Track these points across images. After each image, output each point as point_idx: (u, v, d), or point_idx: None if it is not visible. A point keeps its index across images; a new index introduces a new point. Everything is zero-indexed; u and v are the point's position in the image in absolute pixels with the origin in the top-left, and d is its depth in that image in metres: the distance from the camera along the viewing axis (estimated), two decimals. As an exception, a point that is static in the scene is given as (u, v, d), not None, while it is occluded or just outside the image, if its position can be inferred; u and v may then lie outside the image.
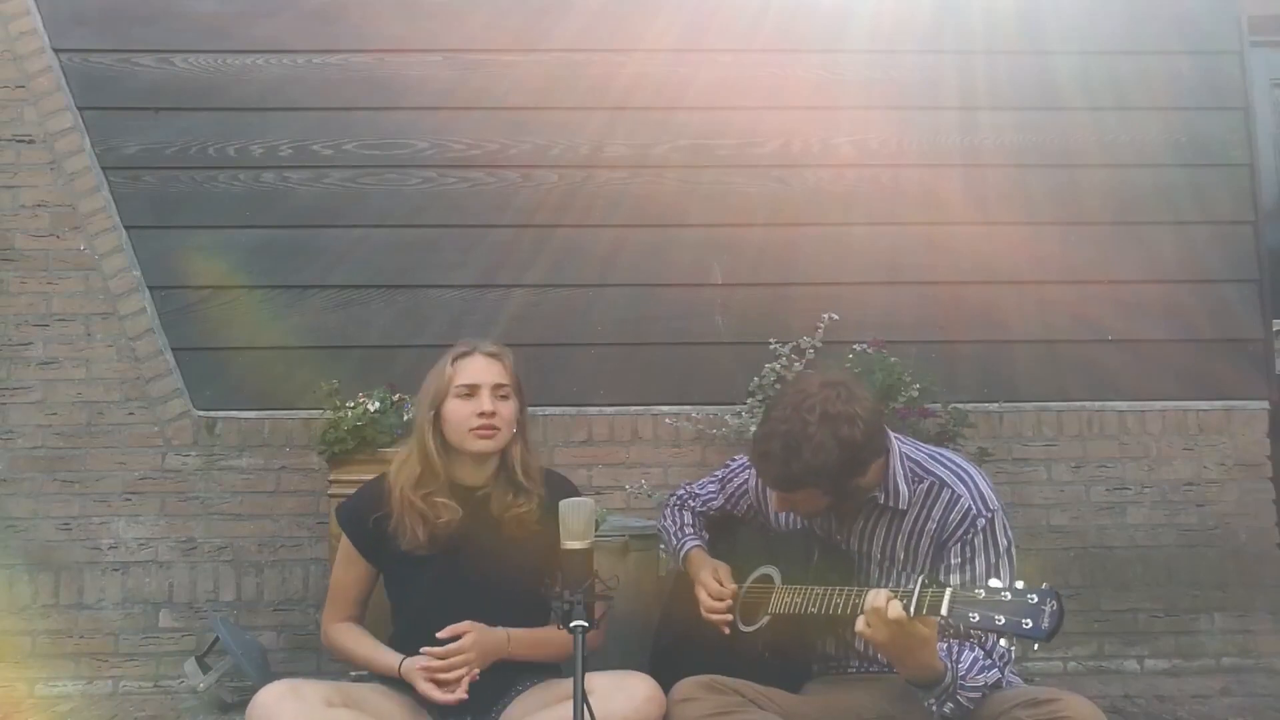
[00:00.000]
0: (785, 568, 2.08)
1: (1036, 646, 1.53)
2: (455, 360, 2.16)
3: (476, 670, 1.98)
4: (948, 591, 1.60)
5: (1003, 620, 1.52)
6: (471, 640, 1.99)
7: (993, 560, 1.89)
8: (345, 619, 2.18)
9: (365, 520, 2.13)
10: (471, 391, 2.11)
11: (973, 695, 1.75)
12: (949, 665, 1.72)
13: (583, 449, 3.43)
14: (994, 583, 1.60)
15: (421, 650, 1.99)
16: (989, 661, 1.79)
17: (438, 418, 2.13)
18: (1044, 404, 3.52)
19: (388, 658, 2.06)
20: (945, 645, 1.77)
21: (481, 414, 2.09)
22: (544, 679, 2.10)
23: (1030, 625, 1.49)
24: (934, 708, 1.75)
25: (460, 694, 1.95)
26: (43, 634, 3.28)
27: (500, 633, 2.05)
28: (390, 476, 2.14)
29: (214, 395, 3.41)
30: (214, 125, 3.49)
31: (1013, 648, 1.76)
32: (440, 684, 1.97)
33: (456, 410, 2.11)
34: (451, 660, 1.97)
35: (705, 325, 3.50)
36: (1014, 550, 1.91)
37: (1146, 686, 3.19)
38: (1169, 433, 3.52)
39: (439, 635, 1.99)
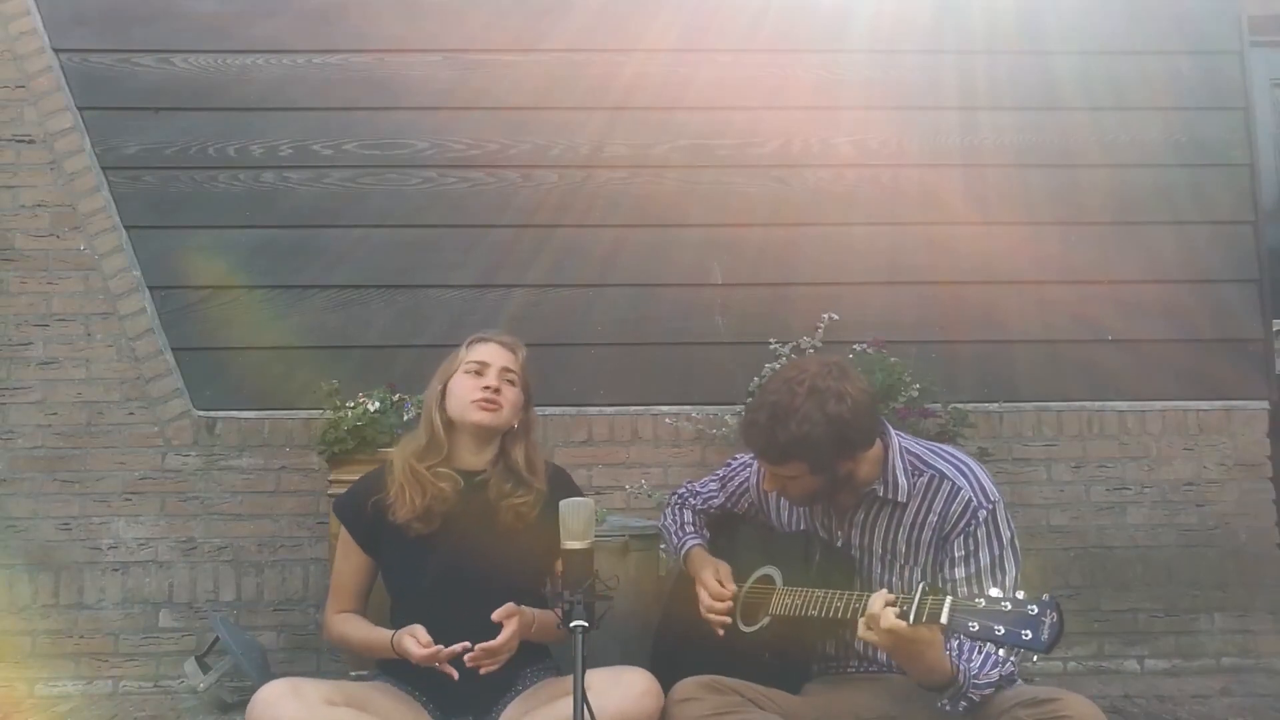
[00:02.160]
0: (786, 568, 2.08)
1: (1036, 658, 1.53)
2: (471, 344, 2.24)
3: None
4: (947, 600, 1.60)
5: (1002, 631, 1.52)
6: (514, 630, 1.97)
7: (996, 552, 1.89)
8: (346, 610, 2.20)
9: (363, 506, 2.15)
10: (480, 369, 2.17)
11: (985, 692, 1.76)
12: (960, 667, 1.72)
13: (583, 449, 3.43)
14: (994, 592, 1.60)
15: (474, 649, 1.95)
16: (999, 656, 1.79)
17: (445, 394, 2.18)
18: (1044, 404, 3.52)
19: (380, 635, 2.07)
20: (955, 644, 1.77)
21: (486, 387, 2.13)
22: (543, 678, 2.11)
23: (1030, 636, 1.50)
24: (947, 707, 1.76)
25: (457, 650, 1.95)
26: (43, 634, 3.28)
27: (529, 614, 2.04)
28: (394, 455, 2.19)
29: (214, 395, 3.41)
30: (214, 125, 3.50)
31: (1013, 656, 1.77)
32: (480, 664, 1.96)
33: (462, 384, 2.16)
34: (499, 654, 1.96)
35: (705, 325, 3.51)
36: (1017, 542, 1.92)
37: (1146, 686, 3.19)
38: (1169, 433, 3.52)
39: (494, 617, 1.96)
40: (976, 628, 1.55)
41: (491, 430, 2.16)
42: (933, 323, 3.52)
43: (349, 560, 2.19)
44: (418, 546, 2.11)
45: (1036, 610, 1.51)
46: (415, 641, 1.96)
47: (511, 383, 2.18)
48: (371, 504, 2.14)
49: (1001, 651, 1.73)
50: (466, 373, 2.17)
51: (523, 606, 2.03)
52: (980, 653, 1.78)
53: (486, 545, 2.10)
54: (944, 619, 1.58)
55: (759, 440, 1.93)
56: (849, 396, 1.87)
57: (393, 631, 2.04)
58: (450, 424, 2.17)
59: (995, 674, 1.77)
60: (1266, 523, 3.51)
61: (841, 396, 1.87)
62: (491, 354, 2.20)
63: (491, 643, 1.94)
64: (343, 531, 2.20)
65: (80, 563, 3.32)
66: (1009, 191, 3.58)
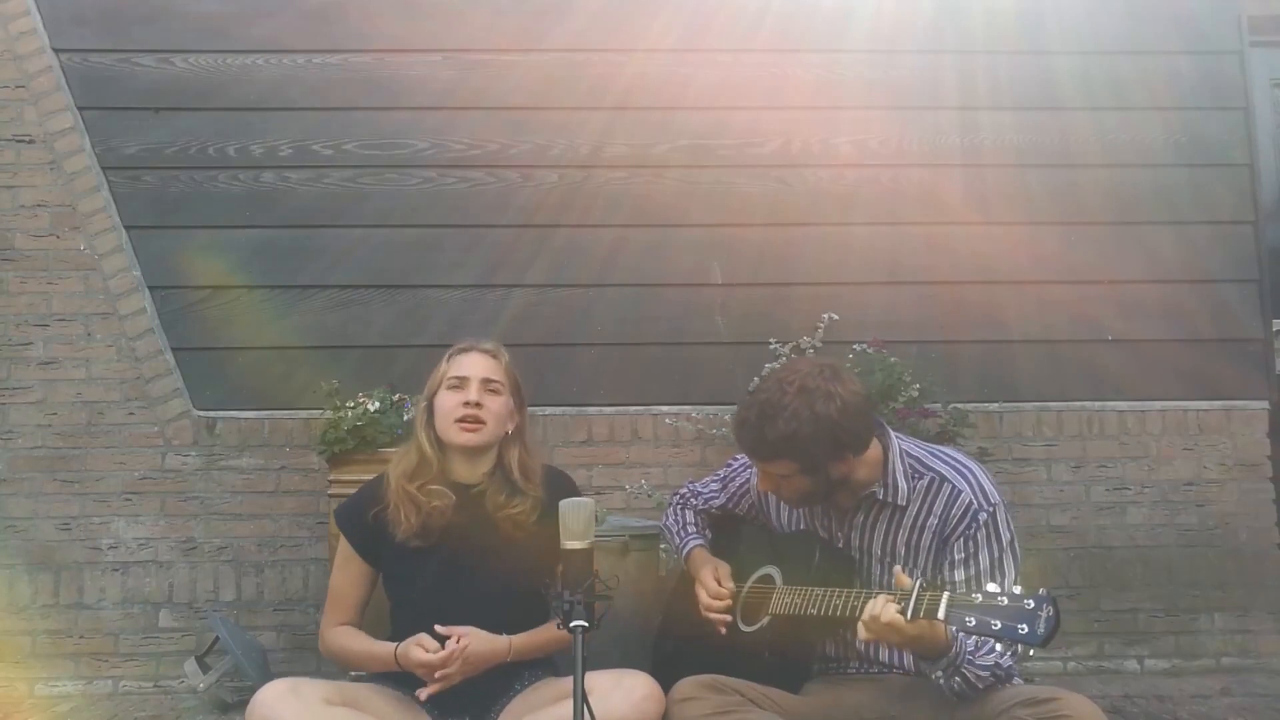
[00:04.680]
0: (787, 568, 2.08)
1: (1032, 652, 1.54)
2: (452, 356, 2.21)
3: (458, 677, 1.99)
4: (945, 595, 1.60)
5: (999, 625, 1.53)
6: (464, 650, 1.97)
7: (996, 555, 1.89)
8: (343, 624, 2.17)
9: (364, 516, 2.14)
10: (461, 384, 2.14)
11: (981, 674, 1.75)
12: (956, 638, 1.73)
13: (583, 449, 3.43)
14: (991, 587, 1.60)
15: (417, 646, 1.98)
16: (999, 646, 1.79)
17: (430, 410, 2.17)
18: (1044, 404, 3.52)
19: (383, 648, 2.06)
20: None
21: (466, 403, 2.11)
22: (543, 678, 2.11)
23: (1025, 630, 1.50)
24: (941, 681, 1.76)
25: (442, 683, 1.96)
26: (43, 634, 3.28)
27: (502, 642, 2.04)
28: (389, 470, 2.17)
29: (214, 395, 3.41)
30: (214, 125, 3.50)
31: (1010, 651, 1.77)
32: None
33: (445, 401, 2.14)
34: (443, 671, 1.97)
35: (705, 325, 3.51)
36: (1017, 544, 1.92)
37: (1146, 686, 3.19)
38: (1169, 433, 3.52)
39: (438, 630, 1.99)
40: (973, 622, 1.56)
41: (477, 449, 2.15)
42: (933, 323, 3.52)
43: (348, 570, 2.18)
44: (417, 555, 2.10)
45: (1032, 605, 1.52)
46: (423, 650, 1.96)
47: (496, 392, 2.15)
48: (372, 516, 2.13)
49: (999, 647, 1.74)
50: (448, 389, 2.15)
51: (499, 635, 2.03)
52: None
53: (485, 553, 2.09)
54: (941, 614, 1.59)
55: (748, 438, 1.94)
56: (838, 397, 1.88)
57: (395, 645, 2.03)
58: (440, 441, 2.16)
59: (991, 659, 1.77)
60: (1266, 523, 3.51)
61: (830, 397, 1.87)
62: (471, 366, 2.16)
63: (431, 658, 1.95)
64: (342, 541, 2.18)
65: (80, 563, 3.32)
66: (1009, 191, 3.58)
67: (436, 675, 1.96)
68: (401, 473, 2.13)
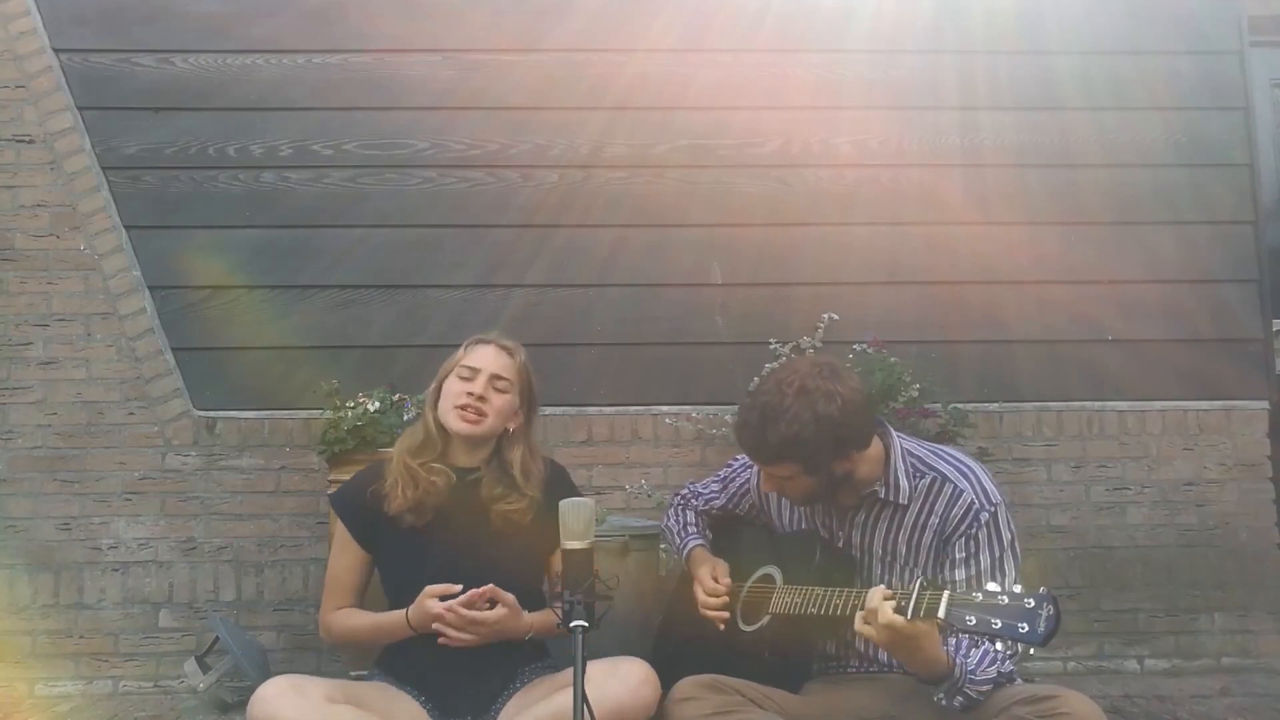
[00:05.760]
0: (787, 568, 2.08)
1: (1032, 651, 1.54)
2: (470, 345, 2.24)
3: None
4: (945, 595, 1.60)
5: (999, 624, 1.53)
6: (497, 618, 1.98)
7: (997, 555, 1.90)
8: (342, 608, 2.19)
9: (361, 495, 2.16)
10: (471, 374, 2.17)
11: (983, 688, 1.75)
12: (956, 660, 1.72)
13: (583, 449, 3.43)
14: (991, 586, 1.60)
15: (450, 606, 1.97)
16: (998, 654, 1.79)
17: (439, 393, 2.19)
18: (1044, 404, 3.52)
19: (392, 616, 2.07)
20: (954, 640, 1.77)
21: (469, 394, 2.13)
22: (542, 674, 2.11)
23: (1026, 629, 1.50)
24: (943, 702, 1.75)
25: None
26: (43, 634, 3.28)
27: (525, 621, 2.05)
28: (396, 445, 2.21)
29: (214, 395, 3.41)
30: (214, 125, 3.49)
31: (1010, 651, 1.77)
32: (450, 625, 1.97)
33: (452, 386, 2.17)
34: (473, 622, 1.97)
35: (705, 325, 3.51)
36: (1017, 544, 1.92)
37: (1146, 686, 3.19)
38: (1169, 433, 3.52)
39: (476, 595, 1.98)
40: (974, 621, 1.55)
41: (472, 439, 2.16)
42: (933, 323, 3.52)
43: (346, 556, 2.19)
44: (413, 540, 2.12)
45: (1033, 603, 1.52)
46: (436, 600, 1.96)
47: (503, 390, 2.17)
48: (370, 493, 2.15)
49: (999, 646, 1.74)
50: (459, 377, 2.17)
51: (523, 613, 2.04)
52: (979, 649, 1.78)
53: (481, 542, 2.11)
54: (941, 613, 1.59)
55: (750, 441, 1.94)
56: (839, 396, 1.88)
57: (404, 609, 2.03)
58: (442, 424, 2.17)
59: (993, 671, 1.77)
60: (1266, 523, 3.50)
61: (831, 396, 1.87)
62: (485, 359, 2.19)
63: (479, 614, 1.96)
64: (340, 527, 2.20)
65: (80, 563, 3.32)
66: (1009, 191, 3.58)
67: (466, 621, 1.95)
68: (406, 448, 2.16)
